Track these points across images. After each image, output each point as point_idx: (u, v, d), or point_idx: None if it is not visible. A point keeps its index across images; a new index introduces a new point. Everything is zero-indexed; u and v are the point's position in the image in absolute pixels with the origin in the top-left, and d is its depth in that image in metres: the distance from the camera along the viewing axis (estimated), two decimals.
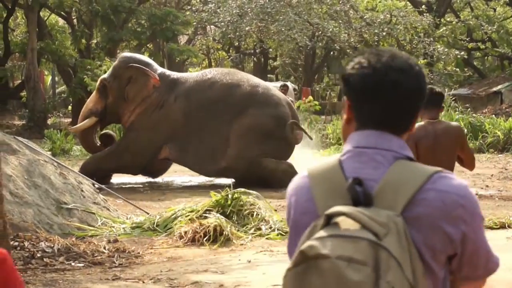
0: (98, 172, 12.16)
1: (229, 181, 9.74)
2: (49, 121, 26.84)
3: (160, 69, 13.25)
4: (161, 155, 12.82)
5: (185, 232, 7.75)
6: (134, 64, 12.71)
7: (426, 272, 1.68)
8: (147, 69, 12.71)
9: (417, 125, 5.83)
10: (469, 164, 5.35)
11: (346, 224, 1.61)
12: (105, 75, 13.35)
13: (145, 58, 14.06)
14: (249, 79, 13.30)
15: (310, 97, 21.53)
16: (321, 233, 1.62)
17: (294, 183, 1.83)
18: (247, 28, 23.75)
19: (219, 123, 12.46)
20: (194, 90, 12.73)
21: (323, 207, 1.68)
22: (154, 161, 12.86)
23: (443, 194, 1.70)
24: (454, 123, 5.48)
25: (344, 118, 1.84)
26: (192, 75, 13.64)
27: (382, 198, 1.68)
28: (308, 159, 16.15)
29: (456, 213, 1.71)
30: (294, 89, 25.34)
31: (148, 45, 32.15)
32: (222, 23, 24.20)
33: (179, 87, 12.83)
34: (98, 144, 13.17)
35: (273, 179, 12.19)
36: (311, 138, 13.88)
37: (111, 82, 12.87)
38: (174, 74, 13.42)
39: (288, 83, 22.60)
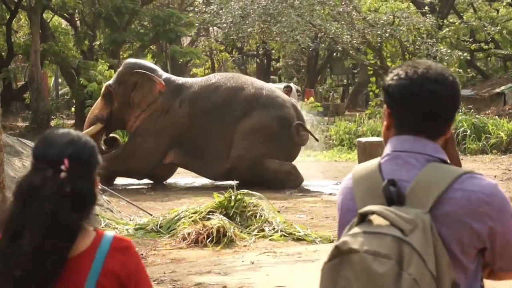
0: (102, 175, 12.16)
1: (232, 182, 9.77)
2: (52, 123, 26.86)
3: (165, 75, 13.28)
4: (166, 159, 12.86)
5: (188, 234, 7.76)
6: (139, 70, 12.74)
7: (457, 265, 1.83)
8: (153, 74, 12.74)
9: None
10: (454, 162, 5.36)
11: (377, 221, 1.79)
12: (110, 81, 13.38)
13: (150, 64, 14.12)
14: (253, 82, 13.35)
15: (311, 99, 21.53)
16: (355, 229, 1.81)
17: (342, 184, 2.02)
18: (249, 30, 23.74)
19: (224, 127, 12.49)
20: (199, 95, 12.77)
21: (362, 206, 1.85)
22: (159, 165, 12.89)
23: (469, 193, 1.85)
24: None
25: (384, 124, 2.00)
26: (196, 80, 13.67)
27: (413, 197, 1.84)
28: (310, 160, 16.16)
29: (482, 210, 1.84)
30: (297, 90, 25.34)
31: (151, 46, 32.15)
32: (225, 25, 24.20)
33: (184, 92, 12.86)
34: (104, 149, 13.20)
35: (276, 180, 12.20)
36: (317, 140, 13.88)
37: (116, 88, 12.91)
38: (179, 80, 13.47)
39: (291, 84, 22.60)
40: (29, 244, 1.94)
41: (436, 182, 1.85)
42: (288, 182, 12.37)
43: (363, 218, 1.82)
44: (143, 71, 12.76)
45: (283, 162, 12.53)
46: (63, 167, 1.98)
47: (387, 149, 1.96)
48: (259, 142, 12.33)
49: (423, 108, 1.91)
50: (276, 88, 14.21)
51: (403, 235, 1.74)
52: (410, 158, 1.90)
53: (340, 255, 1.78)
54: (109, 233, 2.09)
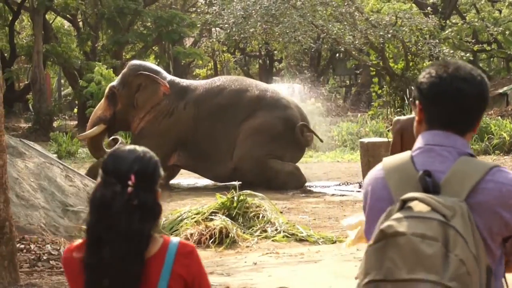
0: None
1: (235, 183, 9.79)
2: (55, 124, 26.86)
3: (169, 77, 13.33)
4: (170, 161, 12.87)
5: (191, 234, 7.77)
6: (144, 72, 12.77)
7: (488, 251, 1.96)
8: (157, 77, 12.76)
9: (405, 117, 6.69)
10: None
11: (418, 207, 1.91)
12: (114, 83, 13.41)
13: (154, 66, 14.19)
14: (257, 84, 13.42)
15: (313, 99, 21.51)
16: (398, 215, 1.91)
17: (370, 174, 2.13)
18: (251, 30, 23.71)
19: (228, 128, 12.52)
20: (203, 97, 12.81)
21: (397, 195, 1.97)
22: (163, 167, 12.88)
23: (500, 185, 1.98)
24: None
25: (416, 119, 2.14)
26: (201, 82, 13.72)
27: (448, 187, 1.97)
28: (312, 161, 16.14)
29: None
30: (300, 91, 25.30)
31: (153, 47, 32.16)
32: (227, 25, 24.17)
33: (189, 94, 12.90)
34: (107, 150, 13.21)
35: (278, 180, 12.22)
36: (321, 141, 13.89)
37: (120, 90, 12.94)
38: (184, 82, 13.52)
39: (295, 85, 22.58)
40: (111, 254, 2.10)
41: (470, 173, 1.98)
42: (290, 183, 12.37)
43: (404, 205, 1.92)
44: (147, 73, 12.80)
45: (286, 162, 12.54)
46: (130, 182, 2.15)
47: (419, 143, 2.09)
48: (262, 142, 12.35)
49: (452, 105, 2.05)
50: (280, 90, 14.24)
51: (445, 219, 1.86)
52: (443, 151, 2.04)
53: (385, 238, 1.88)
54: (175, 239, 2.27)
